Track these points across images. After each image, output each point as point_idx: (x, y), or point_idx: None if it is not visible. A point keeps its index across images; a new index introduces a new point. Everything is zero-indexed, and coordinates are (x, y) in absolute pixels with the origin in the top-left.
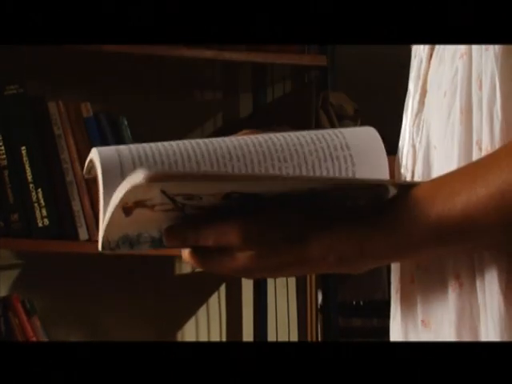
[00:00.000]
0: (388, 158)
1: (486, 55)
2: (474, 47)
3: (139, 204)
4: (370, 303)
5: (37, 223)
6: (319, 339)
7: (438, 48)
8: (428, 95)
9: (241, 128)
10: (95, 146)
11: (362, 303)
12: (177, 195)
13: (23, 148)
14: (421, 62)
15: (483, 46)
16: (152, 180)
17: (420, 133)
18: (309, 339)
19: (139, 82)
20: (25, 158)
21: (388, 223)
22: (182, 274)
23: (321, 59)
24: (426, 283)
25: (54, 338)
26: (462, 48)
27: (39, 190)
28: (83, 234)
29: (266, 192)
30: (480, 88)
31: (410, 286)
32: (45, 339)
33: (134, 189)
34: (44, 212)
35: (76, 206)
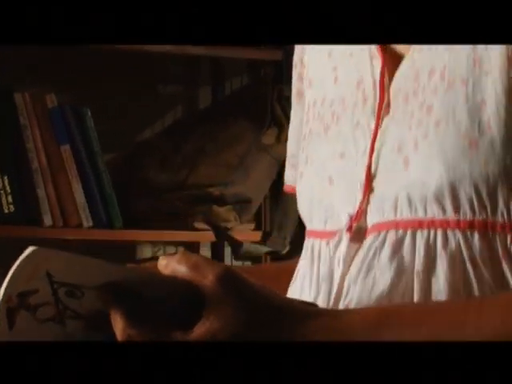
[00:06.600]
0: None
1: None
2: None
3: (23, 303)
4: None
5: (2, 209)
6: None
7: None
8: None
9: (199, 119)
10: (60, 135)
11: None
12: (61, 285)
13: None
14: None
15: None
16: (37, 250)
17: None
18: None
19: (103, 75)
20: None
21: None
22: None
23: (276, 54)
24: None
25: None
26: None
27: (5, 177)
28: (48, 220)
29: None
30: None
31: None
32: None
33: (23, 264)
34: (10, 199)
35: (41, 193)
